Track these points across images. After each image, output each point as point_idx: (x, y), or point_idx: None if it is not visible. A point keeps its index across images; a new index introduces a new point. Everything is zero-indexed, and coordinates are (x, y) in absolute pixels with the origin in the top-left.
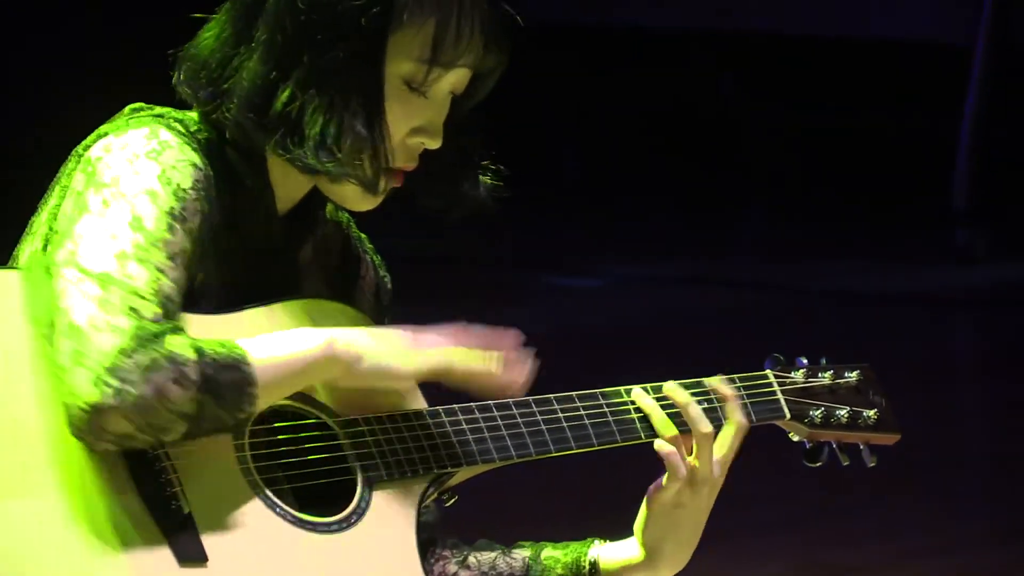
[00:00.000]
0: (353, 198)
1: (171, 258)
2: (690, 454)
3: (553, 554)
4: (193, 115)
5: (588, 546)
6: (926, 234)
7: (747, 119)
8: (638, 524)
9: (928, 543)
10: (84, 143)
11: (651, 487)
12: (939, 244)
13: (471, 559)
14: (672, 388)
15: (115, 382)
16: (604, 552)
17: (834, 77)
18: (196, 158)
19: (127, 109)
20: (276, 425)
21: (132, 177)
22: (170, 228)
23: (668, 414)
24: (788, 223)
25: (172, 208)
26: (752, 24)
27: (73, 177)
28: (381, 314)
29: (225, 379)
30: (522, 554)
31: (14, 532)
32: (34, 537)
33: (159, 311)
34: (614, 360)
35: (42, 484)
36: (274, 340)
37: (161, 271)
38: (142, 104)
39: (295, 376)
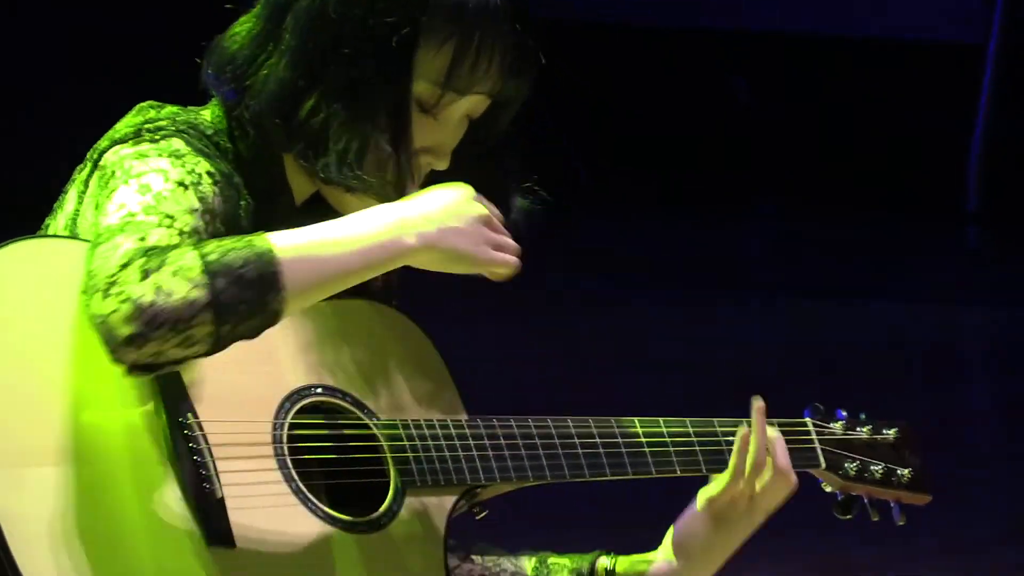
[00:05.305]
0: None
1: (188, 210)
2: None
3: (559, 560)
4: (206, 114)
5: (596, 556)
6: (939, 233)
7: (758, 119)
8: (676, 530)
9: (941, 542)
10: (97, 147)
11: (701, 494)
12: (952, 243)
13: (474, 556)
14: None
15: (116, 290)
16: (621, 561)
17: (846, 77)
18: (209, 165)
19: (136, 108)
20: (315, 420)
21: (141, 163)
22: (182, 191)
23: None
24: (799, 222)
25: (183, 179)
26: (762, 24)
27: (90, 184)
28: (390, 296)
29: (236, 259)
30: (527, 557)
31: (49, 499)
32: (65, 505)
33: (172, 241)
34: (615, 369)
35: (78, 454)
36: (342, 232)
37: (171, 216)
38: (152, 103)
39: (338, 250)
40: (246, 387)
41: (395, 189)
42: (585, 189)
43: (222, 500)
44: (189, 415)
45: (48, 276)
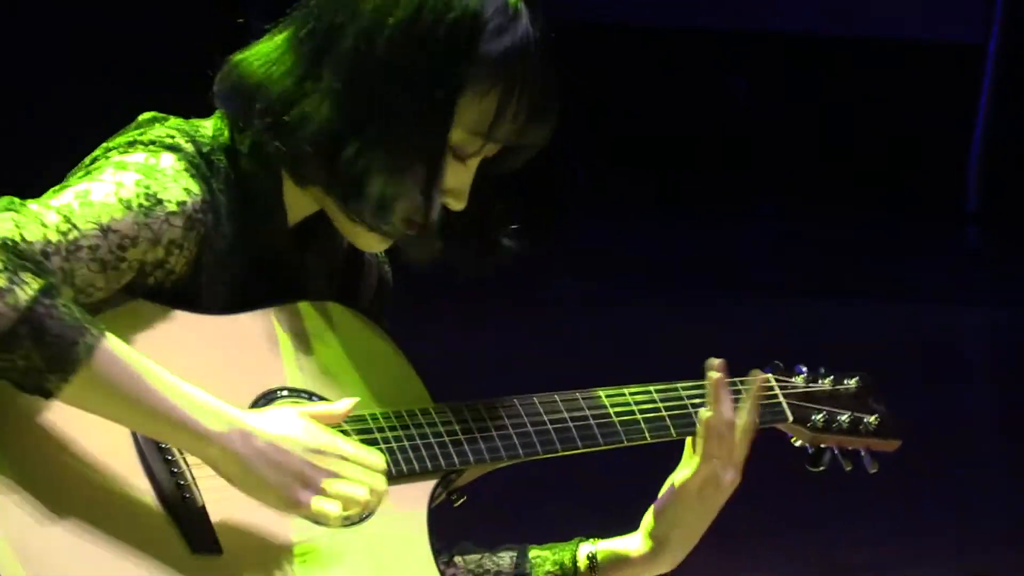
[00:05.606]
0: (367, 240)
1: (101, 228)
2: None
3: (541, 553)
4: (207, 127)
5: (577, 545)
6: (939, 233)
7: (757, 119)
8: (653, 513)
9: (941, 544)
10: (94, 156)
11: (676, 477)
12: (952, 243)
13: (456, 558)
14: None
15: None
16: (601, 546)
17: (846, 77)
18: (193, 185)
19: (140, 119)
20: None
21: (113, 172)
22: (119, 208)
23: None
24: (799, 222)
25: (132, 199)
26: (761, 24)
27: None
28: (381, 306)
29: (55, 326)
30: (508, 553)
31: (26, 522)
32: (46, 527)
33: (50, 239)
34: (614, 369)
35: (53, 474)
36: (169, 379)
37: (75, 226)
38: (155, 114)
39: (136, 398)
40: (212, 396)
41: (419, 235)
42: (584, 189)
43: (203, 508)
44: None
45: None
